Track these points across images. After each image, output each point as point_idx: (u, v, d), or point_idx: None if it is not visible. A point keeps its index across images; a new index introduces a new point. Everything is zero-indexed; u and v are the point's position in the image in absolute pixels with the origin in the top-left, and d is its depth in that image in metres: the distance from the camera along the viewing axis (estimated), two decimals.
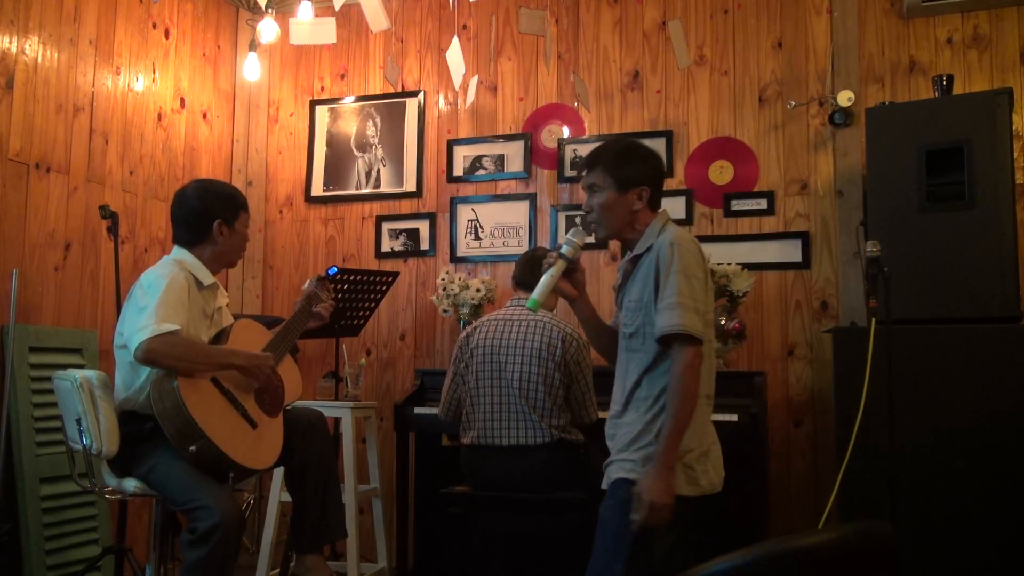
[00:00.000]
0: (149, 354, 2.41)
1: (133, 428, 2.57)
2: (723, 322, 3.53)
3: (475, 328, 3.07)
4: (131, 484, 2.56)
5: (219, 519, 2.31)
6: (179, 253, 2.72)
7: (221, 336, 2.69)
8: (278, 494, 3.52)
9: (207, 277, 2.69)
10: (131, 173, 3.91)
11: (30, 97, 3.38)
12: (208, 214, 2.70)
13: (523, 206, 4.19)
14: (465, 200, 4.29)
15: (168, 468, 2.47)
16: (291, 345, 2.87)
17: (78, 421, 2.53)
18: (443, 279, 3.99)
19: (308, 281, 3.02)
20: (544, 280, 2.15)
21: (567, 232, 2.21)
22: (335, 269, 3.45)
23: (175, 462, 2.46)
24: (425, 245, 4.34)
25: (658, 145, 3.98)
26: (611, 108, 4.10)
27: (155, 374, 2.50)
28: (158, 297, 2.48)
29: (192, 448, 2.42)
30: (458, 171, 4.32)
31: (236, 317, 2.87)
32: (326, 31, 3.72)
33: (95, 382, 2.58)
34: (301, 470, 2.76)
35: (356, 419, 3.68)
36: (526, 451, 2.89)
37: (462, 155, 4.32)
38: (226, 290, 2.88)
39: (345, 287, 3.64)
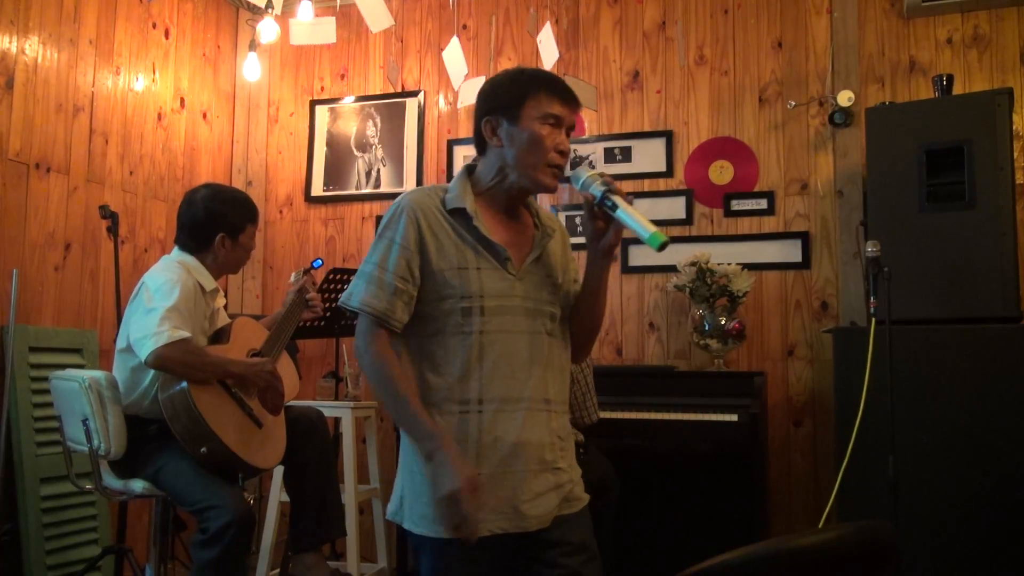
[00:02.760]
0: (161, 360, 2.40)
1: (137, 431, 2.57)
2: (723, 322, 3.54)
3: None
4: (139, 485, 2.57)
5: (231, 518, 2.31)
6: (182, 256, 2.68)
7: (221, 335, 2.69)
8: (278, 494, 3.52)
9: (209, 282, 2.68)
10: (131, 173, 3.90)
11: (30, 97, 3.38)
12: (213, 226, 2.67)
13: None
14: None
15: (177, 469, 2.47)
16: (288, 340, 2.86)
17: (84, 422, 2.51)
18: None
19: (294, 274, 3.00)
20: (637, 214, 1.61)
21: (583, 172, 1.70)
22: (320, 262, 3.42)
23: (183, 463, 2.46)
24: None
25: (658, 145, 3.99)
26: (611, 108, 4.10)
27: (161, 378, 2.50)
28: (171, 303, 2.46)
29: (203, 449, 2.42)
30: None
31: (232, 317, 2.87)
32: (326, 31, 3.72)
33: (103, 383, 2.56)
34: (301, 469, 2.76)
35: (356, 419, 3.67)
36: None
37: (462, 155, 4.31)
38: (226, 290, 2.88)
39: (345, 287, 3.64)
